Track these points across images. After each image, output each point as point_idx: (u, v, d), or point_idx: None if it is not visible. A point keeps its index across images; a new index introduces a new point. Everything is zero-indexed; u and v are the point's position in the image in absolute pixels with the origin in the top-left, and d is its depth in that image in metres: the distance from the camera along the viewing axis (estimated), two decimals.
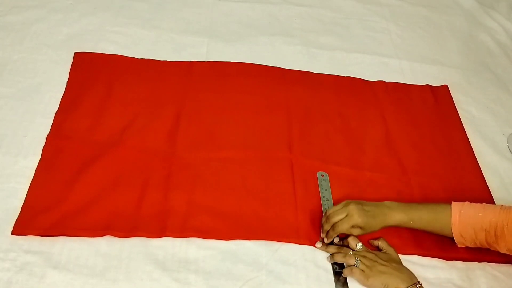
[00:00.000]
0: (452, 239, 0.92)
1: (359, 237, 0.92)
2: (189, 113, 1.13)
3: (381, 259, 0.88)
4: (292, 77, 1.27)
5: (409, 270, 0.88)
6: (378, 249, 0.94)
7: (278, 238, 0.93)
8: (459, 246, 0.92)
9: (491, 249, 0.90)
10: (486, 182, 1.10)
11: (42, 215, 0.89)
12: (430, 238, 0.96)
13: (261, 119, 1.15)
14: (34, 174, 0.95)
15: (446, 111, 1.27)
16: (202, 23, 1.41)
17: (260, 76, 1.26)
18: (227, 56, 1.30)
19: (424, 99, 1.29)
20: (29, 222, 0.88)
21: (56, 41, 1.25)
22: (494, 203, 1.05)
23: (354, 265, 0.88)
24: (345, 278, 0.88)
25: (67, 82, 1.15)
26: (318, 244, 0.93)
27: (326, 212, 0.94)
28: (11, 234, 0.86)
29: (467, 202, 0.92)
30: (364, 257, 0.88)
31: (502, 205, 0.90)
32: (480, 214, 0.89)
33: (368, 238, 0.94)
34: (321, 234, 0.94)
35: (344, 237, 0.93)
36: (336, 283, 0.88)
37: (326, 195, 1.01)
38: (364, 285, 0.87)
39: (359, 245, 0.91)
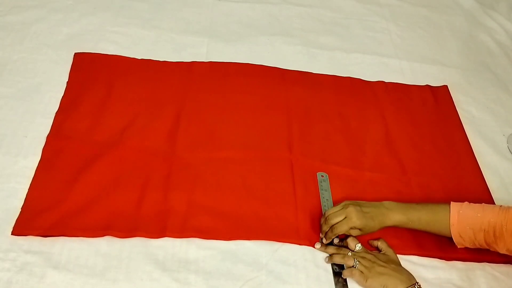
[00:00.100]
0: (451, 239, 0.92)
1: (358, 238, 0.92)
2: (189, 113, 1.13)
3: (380, 260, 0.88)
4: (292, 77, 1.27)
5: (408, 271, 0.88)
6: (377, 249, 0.94)
7: (278, 238, 0.93)
8: (459, 246, 0.92)
9: (491, 249, 0.90)
10: (486, 182, 1.10)
11: (42, 215, 0.89)
12: (430, 239, 0.96)
13: (261, 119, 1.15)
14: (34, 174, 0.95)
15: (446, 111, 1.27)
16: (202, 23, 1.41)
17: (260, 76, 1.26)
18: (227, 56, 1.30)
19: (424, 99, 1.29)
20: (29, 222, 0.88)
21: (56, 41, 1.25)
22: (494, 203, 1.05)
23: (353, 266, 0.88)
24: (345, 279, 0.88)
25: (67, 82, 1.15)
26: (317, 245, 0.93)
27: (325, 213, 0.94)
28: (11, 234, 0.86)
29: (466, 202, 0.92)
30: (363, 258, 0.88)
31: (501, 206, 0.90)
32: (479, 215, 0.89)
33: (367, 239, 0.95)
34: (320, 234, 0.94)
35: (343, 237, 0.93)
36: (336, 284, 0.88)
37: (326, 196, 1.01)
38: (363, 286, 0.87)
39: (358, 246, 0.91)
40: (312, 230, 0.96)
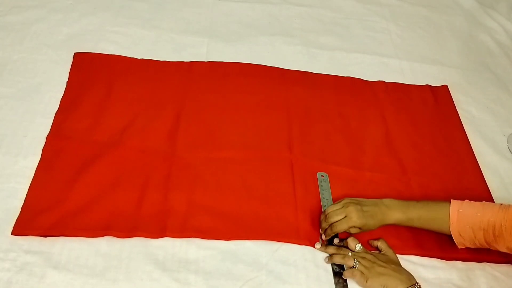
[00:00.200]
0: (451, 238, 0.92)
1: (357, 237, 0.92)
2: (189, 113, 1.13)
3: (380, 260, 0.88)
4: (292, 77, 1.27)
5: (408, 272, 0.88)
6: (377, 249, 0.94)
7: (278, 238, 0.93)
8: (459, 247, 0.92)
9: (491, 248, 0.90)
10: (486, 182, 1.10)
11: (42, 215, 0.89)
12: (430, 239, 0.96)
13: (261, 119, 1.15)
14: (34, 174, 0.95)
15: (446, 111, 1.27)
16: (202, 23, 1.41)
17: (260, 76, 1.26)
18: (227, 56, 1.30)
19: (424, 99, 1.29)
20: (29, 222, 0.88)
21: (56, 41, 1.25)
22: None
23: (353, 267, 0.88)
24: (345, 279, 0.88)
25: (67, 82, 1.15)
26: (318, 245, 0.93)
27: (325, 211, 0.95)
28: (11, 234, 0.86)
29: (466, 200, 0.92)
30: (363, 258, 0.88)
31: (501, 204, 0.90)
32: (479, 214, 0.89)
33: (367, 239, 0.95)
34: (320, 231, 0.94)
35: (343, 237, 0.93)
36: (336, 284, 0.88)
37: (326, 196, 1.01)
38: (363, 286, 0.87)
39: (359, 246, 0.91)
40: (312, 230, 0.96)
